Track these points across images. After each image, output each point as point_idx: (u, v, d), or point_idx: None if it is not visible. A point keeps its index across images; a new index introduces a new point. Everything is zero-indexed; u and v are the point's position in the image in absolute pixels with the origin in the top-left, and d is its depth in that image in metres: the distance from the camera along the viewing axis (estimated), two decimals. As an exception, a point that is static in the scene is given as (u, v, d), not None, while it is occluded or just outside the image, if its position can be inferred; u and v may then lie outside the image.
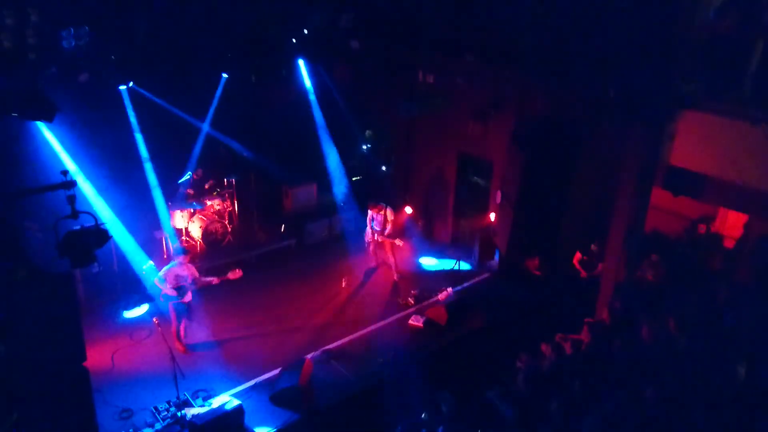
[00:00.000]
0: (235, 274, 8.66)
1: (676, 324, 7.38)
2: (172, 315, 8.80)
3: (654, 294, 8.49)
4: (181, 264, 8.66)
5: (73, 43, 8.08)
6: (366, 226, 11.26)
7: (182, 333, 9.00)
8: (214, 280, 8.89)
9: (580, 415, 6.17)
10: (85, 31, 8.22)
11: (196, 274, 8.82)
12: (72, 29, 8.05)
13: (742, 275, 8.53)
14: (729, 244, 10.21)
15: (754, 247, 8.48)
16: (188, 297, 8.79)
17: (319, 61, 11.72)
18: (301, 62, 11.58)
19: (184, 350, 8.90)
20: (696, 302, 7.77)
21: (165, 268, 8.61)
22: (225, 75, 10.94)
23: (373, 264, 11.54)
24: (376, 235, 11.02)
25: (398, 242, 10.92)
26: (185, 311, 8.90)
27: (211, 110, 11.40)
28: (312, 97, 12.32)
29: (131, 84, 9.76)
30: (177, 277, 8.60)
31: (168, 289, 8.56)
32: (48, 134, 9.12)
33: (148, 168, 10.81)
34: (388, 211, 10.78)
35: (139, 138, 10.42)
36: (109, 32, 8.55)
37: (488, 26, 9.39)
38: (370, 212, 10.98)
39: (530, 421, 6.28)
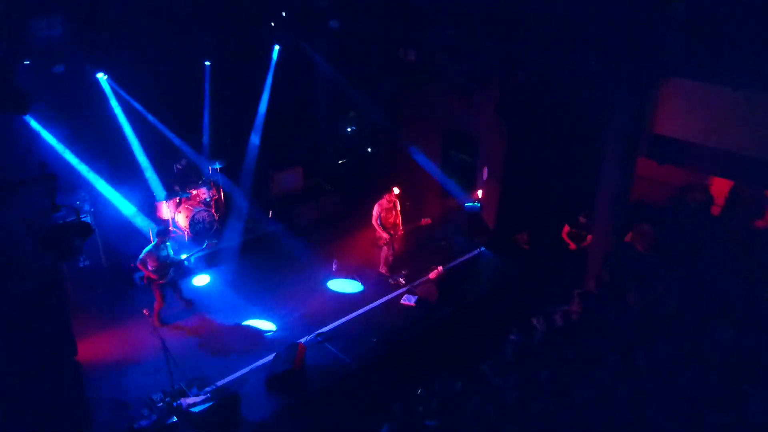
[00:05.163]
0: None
1: (664, 289, 7.43)
2: (158, 297, 9.05)
3: (642, 262, 8.55)
4: (158, 245, 8.85)
5: (46, 33, 7.89)
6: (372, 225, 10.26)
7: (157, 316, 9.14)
8: None
9: (572, 385, 6.24)
10: (57, 20, 8.02)
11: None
12: (44, 19, 7.85)
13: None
14: (715, 211, 10.30)
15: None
16: (169, 276, 9.10)
17: (299, 42, 11.55)
18: (278, 45, 11.40)
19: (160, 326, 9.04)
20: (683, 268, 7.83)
21: (144, 252, 8.77)
22: (207, 63, 10.71)
23: (362, 246, 11.50)
24: (390, 231, 10.26)
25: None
26: (171, 290, 9.23)
27: (206, 100, 11.16)
28: (295, 79, 12.16)
29: (106, 77, 9.59)
30: (156, 258, 8.79)
31: (149, 272, 8.80)
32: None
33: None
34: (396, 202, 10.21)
35: (126, 126, 10.31)
36: (83, 21, 8.35)
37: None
38: (376, 209, 10.10)
39: (524, 393, 6.34)
